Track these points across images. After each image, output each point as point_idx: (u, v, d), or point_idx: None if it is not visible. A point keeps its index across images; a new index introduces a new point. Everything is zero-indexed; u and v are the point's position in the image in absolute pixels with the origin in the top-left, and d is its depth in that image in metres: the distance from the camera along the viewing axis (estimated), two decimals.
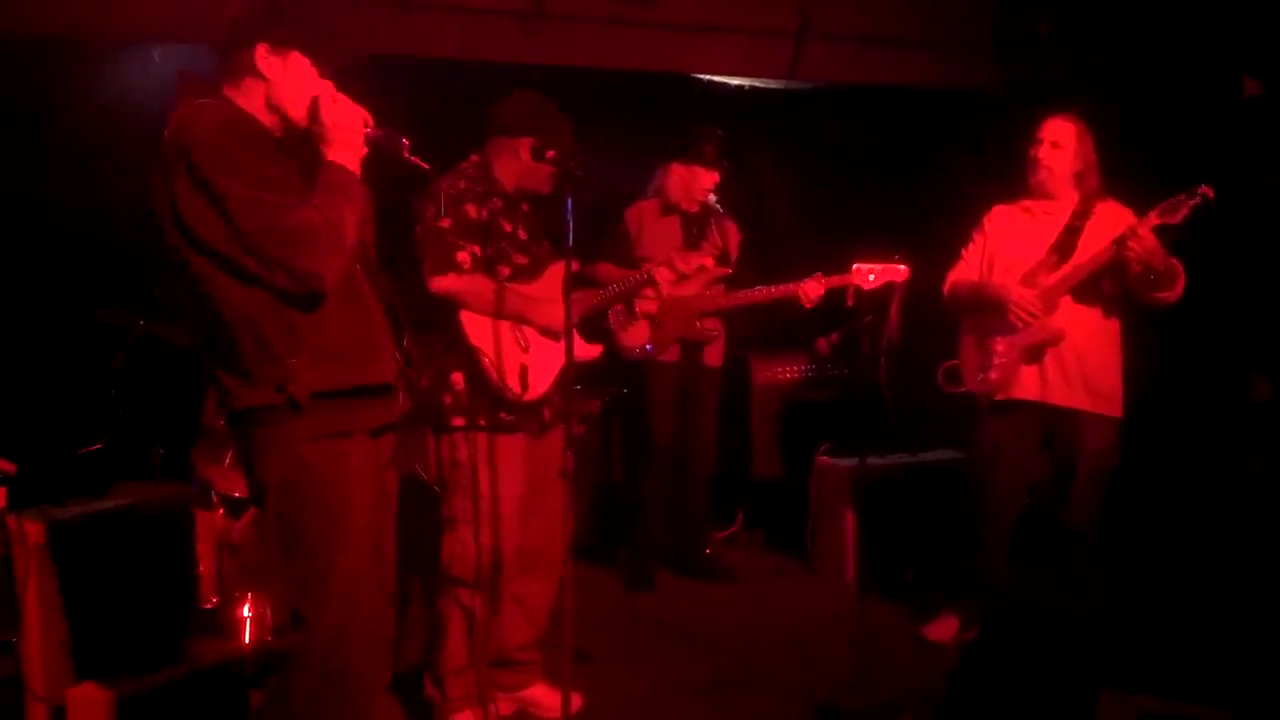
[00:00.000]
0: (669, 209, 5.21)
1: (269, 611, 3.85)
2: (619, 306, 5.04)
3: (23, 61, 4.82)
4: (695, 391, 5.30)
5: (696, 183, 5.14)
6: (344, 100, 2.66)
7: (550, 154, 3.43)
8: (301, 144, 2.65)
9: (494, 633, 3.64)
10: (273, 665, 2.72)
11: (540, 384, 3.58)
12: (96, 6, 4.83)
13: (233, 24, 2.66)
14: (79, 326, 4.61)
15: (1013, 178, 4.45)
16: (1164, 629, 4.10)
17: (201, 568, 4.19)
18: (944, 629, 4.45)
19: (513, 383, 3.52)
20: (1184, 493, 5.14)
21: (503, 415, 3.54)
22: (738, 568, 5.49)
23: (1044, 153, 4.23)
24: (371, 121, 2.68)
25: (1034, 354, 4.21)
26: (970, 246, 4.49)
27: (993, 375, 4.26)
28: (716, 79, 6.24)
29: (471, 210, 3.54)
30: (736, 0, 5.86)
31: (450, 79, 5.37)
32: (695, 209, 5.18)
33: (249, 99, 2.63)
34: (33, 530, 3.46)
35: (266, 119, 2.64)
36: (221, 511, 4.22)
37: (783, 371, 6.13)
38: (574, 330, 3.66)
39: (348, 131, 2.63)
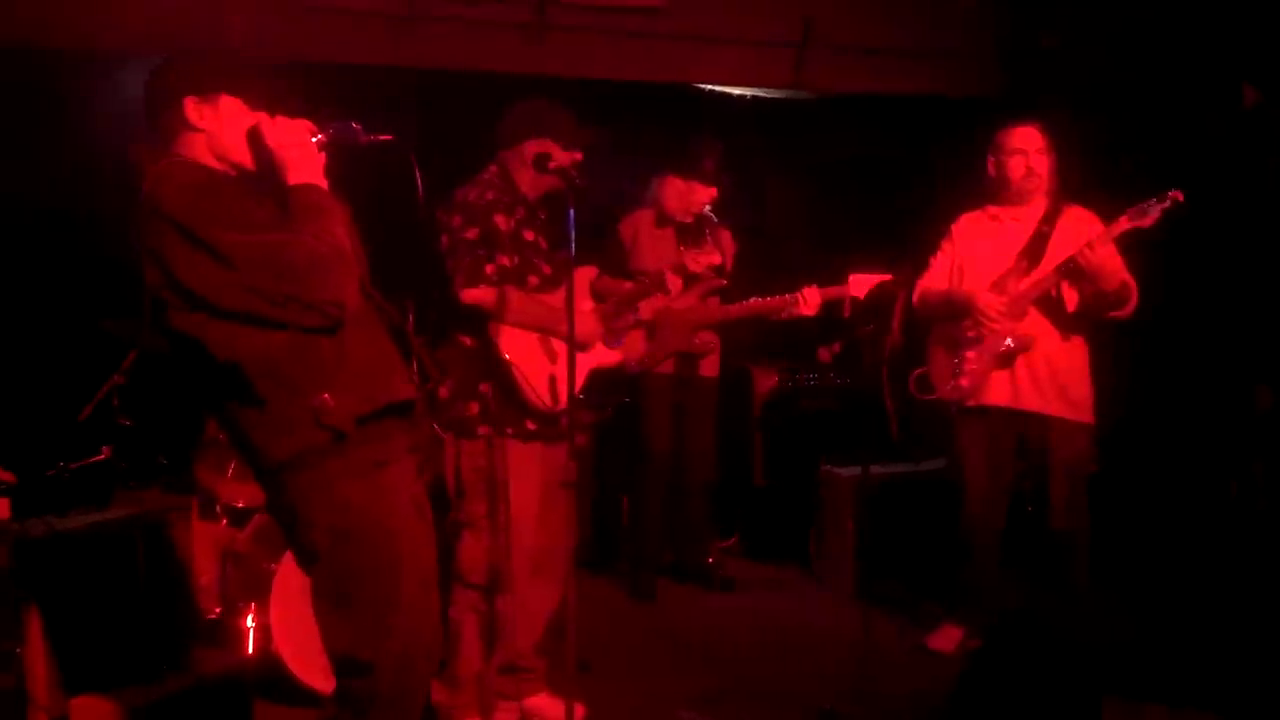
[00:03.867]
0: (664, 220, 5.21)
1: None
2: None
3: (31, 73, 4.85)
4: (691, 403, 5.30)
5: (694, 197, 5.13)
6: (282, 120, 2.57)
7: (552, 164, 3.43)
8: (261, 181, 2.58)
9: (505, 638, 3.65)
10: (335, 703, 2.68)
11: (565, 395, 3.58)
12: (104, 19, 4.86)
13: (151, 87, 2.58)
14: (86, 337, 4.62)
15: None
16: (1167, 638, 4.09)
17: (204, 578, 4.20)
18: (946, 639, 4.45)
19: (543, 393, 3.55)
20: (1187, 502, 5.14)
21: (529, 425, 3.58)
22: (740, 577, 5.49)
23: (1031, 160, 4.26)
24: (315, 128, 2.58)
25: (1005, 360, 4.24)
26: (939, 255, 4.52)
27: (964, 382, 4.29)
28: (719, 89, 6.25)
29: (500, 221, 3.56)
30: (739, 11, 5.87)
31: (453, 91, 5.39)
32: (691, 220, 5.18)
33: (194, 153, 2.56)
34: (37, 540, 3.47)
35: (217, 168, 2.57)
36: (224, 522, 4.23)
37: (784, 381, 6.14)
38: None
39: (297, 149, 2.55)
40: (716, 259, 4.38)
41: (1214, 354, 5.15)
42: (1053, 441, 4.23)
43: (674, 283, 4.15)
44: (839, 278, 4.61)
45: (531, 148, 3.61)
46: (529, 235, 3.66)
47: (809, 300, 4.76)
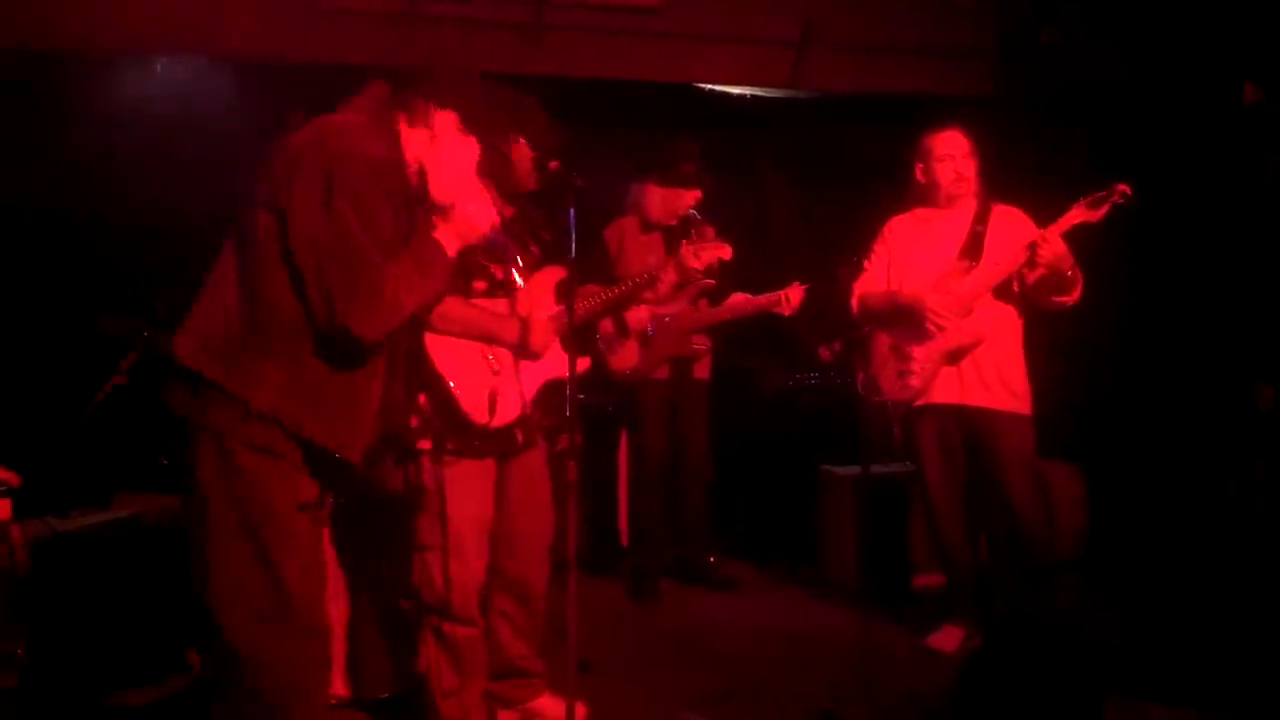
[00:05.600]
0: (649, 226, 5.19)
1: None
2: (609, 329, 5.02)
3: (29, 73, 4.84)
4: (686, 405, 5.30)
5: (677, 202, 5.11)
6: (484, 199, 2.77)
7: (553, 165, 3.33)
8: (420, 201, 2.72)
9: (482, 653, 3.58)
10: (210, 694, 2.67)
11: (511, 408, 3.45)
12: (104, 20, 4.86)
13: (446, 79, 2.75)
14: (83, 336, 4.62)
15: (1015, 186, 4.49)
16: (1168, 636, 4.09)
17: None
18: (947, 638, 4.45)
19: (479, 409, 3.38)
20: (1187, 500, 5.14)
21: (471, 441, 3.41)
22: (741, 577, 5.49)
23: (959, 165, 4.35)
24: (488, 233, 2.83)
25: (954, 358, 4.29)
26: (873, 257, 4.56)
27: (914, 382, 4.33)
28: (718, 88, 6.25)
29: None
30: (738, 10, 5.87)
31: None
32: (675, 222, 5.17)
33: (406, 140, 2.68)
34: (36, 541, 3.47)
35: (401, 161, 2.68)
36: None
37: (785, 380, 6.14)
38: (557, 344, 3.55)
39: (469, 230, 2.74)
40: (728, 249, 4.28)
41: (1214, 352, 5.16)
42: (1001, 435, 4.27)
43: (667, 277, 4.03)
44: (834, 276, 4.63)
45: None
46: None
47: (791, 299, 4.82)
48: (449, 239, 2.71)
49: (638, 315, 4.96)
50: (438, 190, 2.72)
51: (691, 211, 5.16)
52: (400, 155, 2.67)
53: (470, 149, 2.76)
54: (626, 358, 5.10)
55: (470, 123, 2.73)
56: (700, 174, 5.08)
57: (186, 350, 2.55)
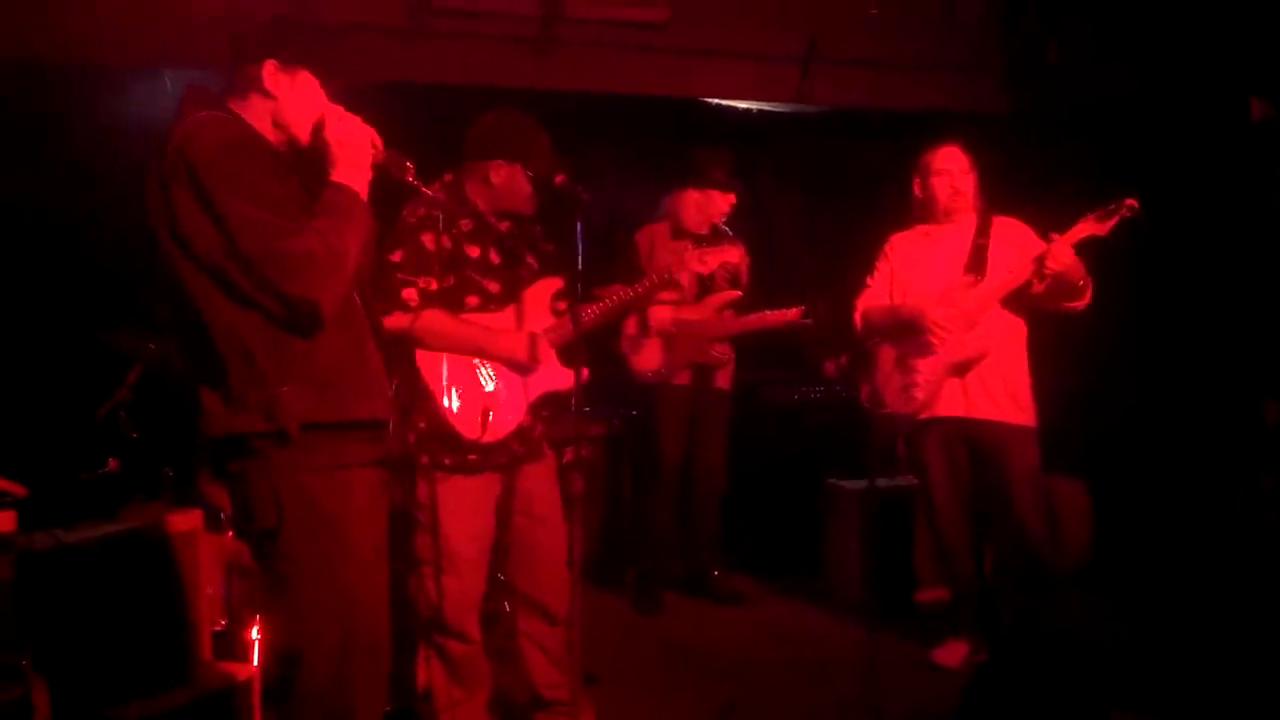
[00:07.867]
0: (680, 233, 5.23)
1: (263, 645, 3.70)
2: (632, 329, 5.06)
3: (36, 85, 4.87)
4: (705, 414, 5.31)
5: (713, 206, 5.18)
6: (353, 120, 2.65)
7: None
8: (304, 162, 2.64)
9: (483, 668, 3.55)
10: (270, 700, 2.67)
11: (506, 422, 3.43)
12: (107, 35, 4.88)
13: (242, 40, 2.66)
14: (89, 347, 4.63)
15: (1023, 201, 4.49)
16: (1173, 650, 4.07)
17: (209, 590, 4.19)
18: (953, 653, 4.44)
19: (471, 425, 3.36)
20: (1194, 514, 5.12)
21: (467, 456, 3.40)
22: (747, 590, 5.49)
23: (956, 180, 4.37)
24: (380, 143, 2.67)
25: (959, 371, 4.29)
26: (876, 274, 4.58)
27: (918, 395, 4.33)
28: (725, 103, 6.27)
29: (428, 240, 3.38)
30: (745, 25, 5.88)
31: (459, 105, 5.39)
32: (706, 231, 5.20)
33: (254, 115, 2.62)
34: (43, 553, 3.47)
35: (271, 136, 2.63)
36: (230, 534, 4.23)
37: (792, 394, 6.14)
38: (553, 356, 3.53)
39: (355, 152, 2.62)
40: (733, 257, 4.26)
41: (1221, 366, 5.15)
42: (1006, 448, 4.26)
43: (630, 291, 3.80)
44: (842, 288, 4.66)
45: (499, 169, 3.46)
46: (473, 251, 3.47)
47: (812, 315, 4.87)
48: (346, 175, 2.60)
49: (660, 317, 4.99)
50: (302, 134, 2.64)
51: (724, 227, 5.24)
52: (248, 129, 2.58)
53: (307, 80, 2.66)
54: (649, 358, 5.14)
55: (297, 63, 2.62)
56: (731, 178, 5.15)
57: (218, 424, 2.49)
